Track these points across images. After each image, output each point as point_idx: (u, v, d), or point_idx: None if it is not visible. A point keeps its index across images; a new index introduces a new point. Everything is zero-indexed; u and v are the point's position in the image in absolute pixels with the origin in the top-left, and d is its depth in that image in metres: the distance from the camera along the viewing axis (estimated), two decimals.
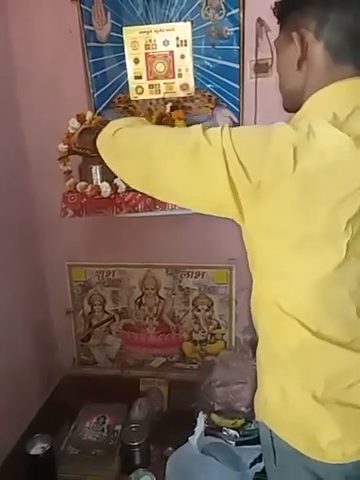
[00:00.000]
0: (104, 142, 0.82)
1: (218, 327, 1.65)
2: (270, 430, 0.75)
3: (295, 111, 0.72)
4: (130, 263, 1.63)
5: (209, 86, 1.39)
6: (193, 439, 1.23)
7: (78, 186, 1.21)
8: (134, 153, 0.75)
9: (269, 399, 0.77)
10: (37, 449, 1.30)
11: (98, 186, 1.20)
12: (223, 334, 1.66)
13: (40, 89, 1.47)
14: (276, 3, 0.76)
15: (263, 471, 1.17)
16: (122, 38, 1.37)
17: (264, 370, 0.78)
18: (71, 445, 1.40)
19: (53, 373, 1.74)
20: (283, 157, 0.60)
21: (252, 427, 1.36)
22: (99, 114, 1.40)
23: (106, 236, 1.59)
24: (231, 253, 1.55)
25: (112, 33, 1.38)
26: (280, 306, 0.69)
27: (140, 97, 1.43)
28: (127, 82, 1.42)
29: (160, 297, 1.66)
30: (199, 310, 1.64)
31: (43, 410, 1.62)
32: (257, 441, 1.29)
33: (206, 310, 1.64)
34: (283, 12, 0.74)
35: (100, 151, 0.84)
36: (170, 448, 1.38)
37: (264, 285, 0.74)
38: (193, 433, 1.27)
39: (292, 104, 0.73)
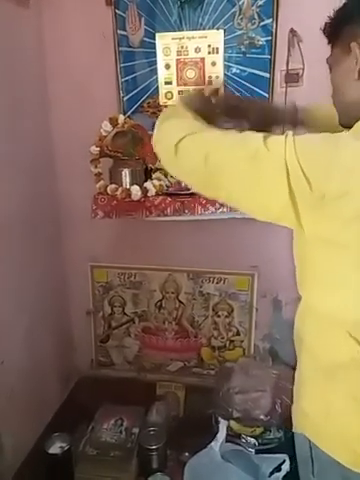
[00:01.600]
0: (165, 155, 0.81)
1: (237, 334, 1.65)
2: (309, 441, 0.75)
3: (351, 126, 0.70)
4: (151, 266, 1.64)
5: (238, 94, 1.40)
6: (215, 445, 1.23)
7: (109, 188, 1.22)
8: (194, 166, 0.74)
9: (310, 411, 0.76)
10: (56, 448, 1.30)
11: (128, 189, 1.21)
12: (242, 341, 1.66)
13: (71, 91, 1.49)
14: (326, 23, 0.76)
15: None
16: (154, 44, 1.39)
17: (306, 382, 0.78)
18: (89, 446, 1.40)
19: (71, 373, 1.75)
20: (353, 171, 0.60)
21: (271, 436, 1.36)
22: (129, 118, 1.41)
23: (129, 238, 1.60)
24: (253, 260, 1.56)
25: (145, 38, 1.39)
26: (332, 318, 0.69)
27: (169, 102, 1.44)
28: (157, 87, 1.43)
29: (180, 301, 1.66)
30: (219, 316, 1.65)
31: (61, 410, 1.63)
32: (276, 450, 1.30)
33: (226, 316, 1.64)
34: (335, 29, 0.74)
35: (161, 161, 0.84)
36: (187, 453, 1.38)
37: (317, 296, 0.74)
38: (214, 439, 1.27)
39: (350, 118, 0.71)
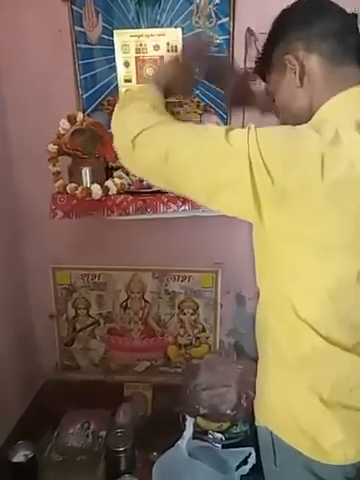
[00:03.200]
0: (122, 150, 0.78)
1: (203, 330, 1.66)
2: (271, 432, 0.76)
3: None
4: (116, 266, 1.62)
5: (197, 92, 1.41)
6: (182, 443, 1.23)
7: (68, 188, 1.19)
8: (153, 163, 0.73)
9: (272, 403, 0.78)
10: (19, 457, 1.26)
11: (89, 188, 1.19)
12: (208, 338, 1.67)
13: (28, 88, 1.44)
14: (257, 62, 0.83)
15: (249, 474, 1.20)
16: (113, 41, 1.37)
17: (269, 375, 0.79)
18: (55, 452, 1.36)
19: (35, 378, 1.70)
20: (311, 166, 0.60)
21: (237, 430, 1.37)
22: (88, 116, 1.38)
23: (91, 238, 1.57)
24: (217, 257, 1.58)
25: (103, 35, 1.37)
26: (294, 310, 0.70)
27: None
28: (117, 85, 1.41)
29: (146, 301, 1.65)
30: (185, 314, 1.65)
31: (25, 416, 1.57)
32: (243, 444, 1.32)
33: (192, 314, 1.65)
34: (267, 58, 0.79)
35: (121, 160, 0.82)
36: (155, 453, 1.37)
37: (279, 287, 0.74)
38: (181, 437, 1.27)
39: (300, 123, 0.72)
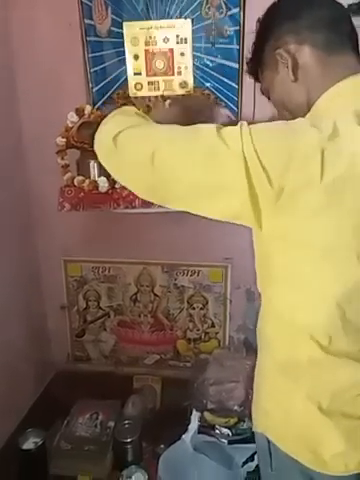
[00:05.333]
0: (104, 150, 0.73)
1: (212, 326, 1.66)
2: (268, 439, 0.75)
3: None
4: (126, 260, 1.63)
5: (208, 85, 1.39)
6: (187, 437, 1.23)
7: (75, 180, 1.20)
8: (138, 164, 0.66)
9: (270, 411, 0.75)
10: (29, 444, 1.30)
11: (96, 181, 1.19)
12: (217, 333, 1.67)
13: (39, 82, 1.46)
14: (248, 62, 0.79)
15: (255, 470, 1.19)
16: (122, 33, 1.36)
17: (266, 381, 0.77)
18: (64, 440, 1.39)
19: (47, 368, 1.73)
20: (310, 163, 0.56)
21: (244, 426, 1.37)
22: (98, 109, 1.39)
23: (102, 232, 1.59)
24: (227, 252, 1.56)
25: (112, 28, 1.36)
26: (293, 318, 0.67)
27: (139, 94, 1.42)
28: (126, 78, 1.41)
29: (155, 294, 1.66)
30: (194, 308, 1.65)
31: (36, 405, 1.61)
32: (249, 440, 1.31)
33: (201, 308, 1.64)
34: (259, 56, 0.76)
35: (100, 159, 0.75)
36: (162, 445, 1.38)
37: (277, 295, 0.70)
38: (186, 431, 1.27)
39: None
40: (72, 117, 1.21)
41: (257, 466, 1.19)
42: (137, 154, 0.66)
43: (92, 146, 0.82)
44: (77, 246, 1.64)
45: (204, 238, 1.54)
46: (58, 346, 1.77)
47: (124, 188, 1.22)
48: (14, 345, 1.52)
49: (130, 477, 1.25)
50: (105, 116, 0.90)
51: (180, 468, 1.24)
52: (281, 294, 0.69)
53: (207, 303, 1.63)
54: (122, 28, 1.36)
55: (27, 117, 1.51)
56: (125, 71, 1.40)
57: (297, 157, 0.57)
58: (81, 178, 1.21)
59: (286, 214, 0.59)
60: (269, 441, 0.74)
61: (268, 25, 0.74)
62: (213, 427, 1.38)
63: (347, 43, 0.69)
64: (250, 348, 1.61)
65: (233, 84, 1.36)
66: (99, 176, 1.21)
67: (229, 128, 0.62)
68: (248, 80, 1.35)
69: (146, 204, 1.22)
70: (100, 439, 1.41)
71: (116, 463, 1.36)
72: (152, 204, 1.23)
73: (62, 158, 1.22)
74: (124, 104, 1.44)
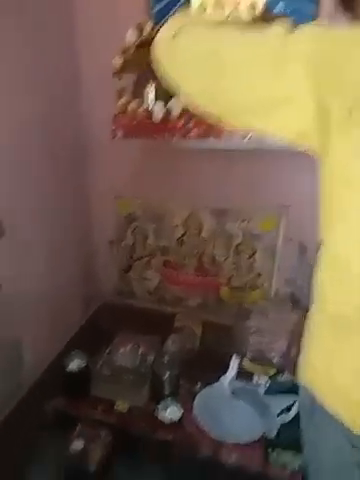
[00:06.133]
0: (162, 46, 0.67)
1: (259, 276, 1.61)
2: (310, 391, 0.72)
3: None
4: (175, 201, 1.59)
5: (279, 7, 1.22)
6: (225, 379, 1.24)
7: (129, 107, 1.13)
8: (199, 58, 0.61)
9: (318, 366, 0.72)
10: (74, 365, 1.37)
11: (149, 109, 1.12)
12: (263, 284, 1.62)
13: (96, 4, 1.37)
14: None
15: (289, 423, 1.19)
16: None
17: (315, 335, 0.73)
18: (105, 367, 1.46)
19: (93, 299, 1.79)
20: None
21: (282, 379, 1.36)
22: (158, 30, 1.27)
23: (153, 171, 1.54)
24: (282, 198, 1.45)
25: None
26: (349, 265, 0.61)
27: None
28: None
29: (202, 238, 1.62)
30: (241, 257, 1.60)
31: (81, 331, 1.70)
32: (287, 392, 1.30)
33: (248, 257, 1.59)
34: None
35: (156, 54, 0.69)
36: (199, 385, 1.41)
37: (335, 239, 0.64)
38: (224, 374, 1.28)
39: None
40: (131, 36, 1.11)
41: (292, 419, 1.21)
42: (199, 51, 0.61)
43: (150, 67, 0.74)
44: (128, 184, 1.61)
45: (258, 181, 1.45)
46: (105, 279, 1.81)
47: (180, 118, 1.14)
48: (65, 273, 1.58)
49: (165, 409, 1.29)
50: None
51: (215, 409, 1.27)
52: (340, 238, 0.63)
53: (255, 253, 1.57)
54: None
55: (84, 44, 1.43)
56: None
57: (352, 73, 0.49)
58: (135, 105, 1.14)
59: (356, 135, 0.52)
60: (311, 397, 0.72)
61: None
62: (251, 375, 1.38)
63: None
64: (296, 303, 1.57)
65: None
66: (156, 100, 1.13)
67: (299, 32, 0.54)
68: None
69: (202, 136, 1.13)
70: (139, 370, 1.47)
71: (153, 395, 1.42)
72: (208, 137, 1.15)
73: (119, 80, 1.14)
74: None
